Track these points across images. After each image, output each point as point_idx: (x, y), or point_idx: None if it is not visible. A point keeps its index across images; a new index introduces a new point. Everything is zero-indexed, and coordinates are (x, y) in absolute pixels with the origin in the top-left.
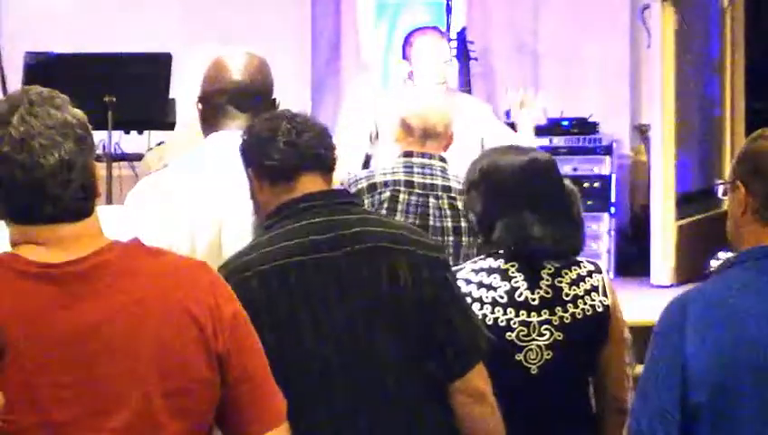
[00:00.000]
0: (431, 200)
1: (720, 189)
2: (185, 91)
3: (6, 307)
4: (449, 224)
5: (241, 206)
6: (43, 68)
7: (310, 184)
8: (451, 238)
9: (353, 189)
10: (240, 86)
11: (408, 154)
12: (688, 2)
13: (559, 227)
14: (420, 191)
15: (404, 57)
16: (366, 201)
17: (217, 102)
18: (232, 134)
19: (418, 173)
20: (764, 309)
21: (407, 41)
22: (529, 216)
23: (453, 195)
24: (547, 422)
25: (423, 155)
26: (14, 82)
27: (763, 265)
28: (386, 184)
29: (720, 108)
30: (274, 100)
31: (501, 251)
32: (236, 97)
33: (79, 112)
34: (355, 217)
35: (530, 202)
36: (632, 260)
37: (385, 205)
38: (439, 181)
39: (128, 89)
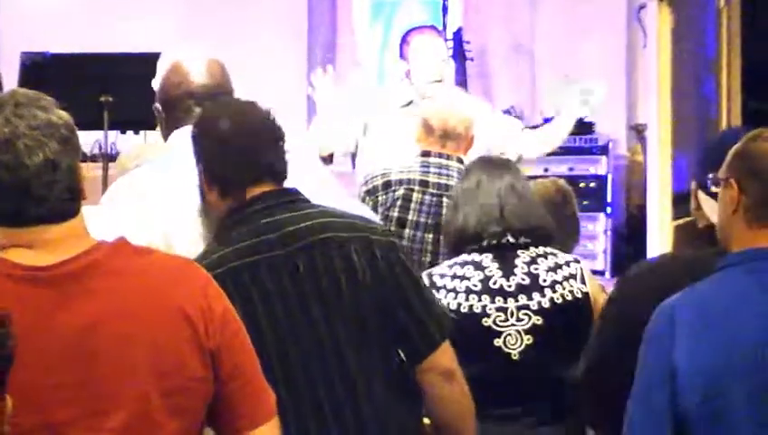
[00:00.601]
0: (444, 200)
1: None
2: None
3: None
4: None
5: None
6: (38, 68)
7: (258, 190)
8: None
9: (369, 186)
10: (207, 88)
11: (425, 154)
12: (685, 2)
13: (533, 216)
14: (434, 191)
15: (401, 56)
16: (380, 198)
17: (185, 106)
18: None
19: (435, 173)
20: (756, 312)
21: (404, 40)
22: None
23: None
24: (528, 410)
25: (440, 155)
26: (11, 82)
27: (755, 267)
28: (401, 182)
29: (716, 108)
30: None
31: (476, 246)
32: (203, 99)
33: (64, 114)
34: (304, 213)
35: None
36: (628, 260)
37: (398, 203)
38: (455, 182)
39: (124, 89)
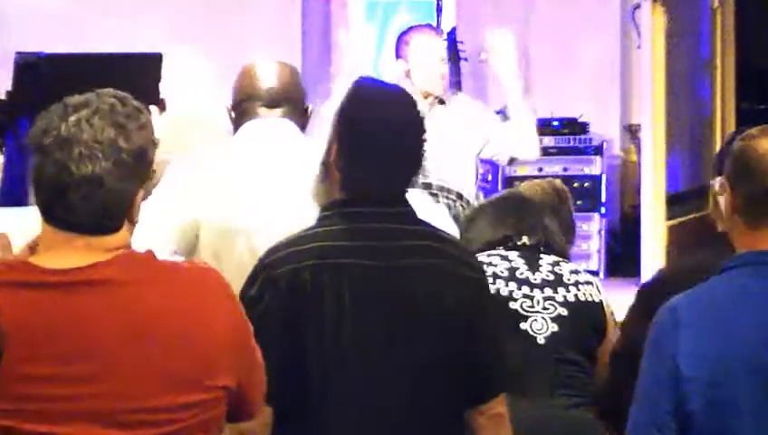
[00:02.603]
0: (442, 200)
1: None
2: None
3: (8, 316)
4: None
5: (271, 192)
6: (33, 68)
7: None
8: None
9: None
10: (272, 93)
11: None
12: (679, 2)
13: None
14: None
15: (399, 56)
16: None
17: (249, 108)
18: (265, 122)
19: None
20: (759, 315)
21: (402, 39)
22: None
23: (452, 196)
24: (550, 394)
25: None
26: (5, 82)
27: (758, 271)
28: None
29: (710, 108)
30: (308, 107)
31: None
32: (271, 101)
33: (139, 139)
34: (414, 229)
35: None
36: (622, 260)
37: None
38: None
39: (118, 89)
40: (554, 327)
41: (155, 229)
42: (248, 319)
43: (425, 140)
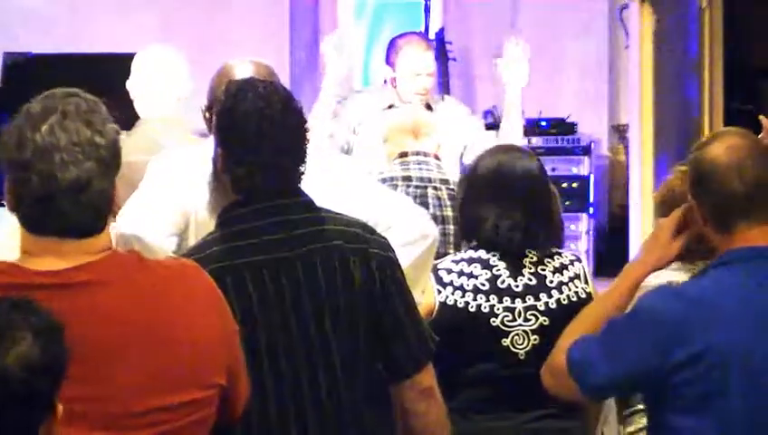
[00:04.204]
0: (429, 191)
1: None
2: (139, 90)
3: None
4: (449, 213)
5: None
6: (21, 68)
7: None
8: (451, 227)
9: None
10: None
11: (403, 154)
12: (667, 2)
13: (541, 223)
14: (418, 183)
15: (387, 62)
16: None
17: None
18: None
19: (415, 168)
20: (753, 311)
21: (393, 46)
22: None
23: (451, 187)
24: (532, 407)
25: (418, 153)
26: None
27: (755, 265)
28: (384, 181)
29: (699, 108)
30: None
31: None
32: None
33: (111, 132)
34: (310, 216)
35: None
36: (611, 260)
37: None
38: (436, 175)
39: (107, 89)
40: (535, 340)
41: (155, 213)
42: None
43: (306, 131)
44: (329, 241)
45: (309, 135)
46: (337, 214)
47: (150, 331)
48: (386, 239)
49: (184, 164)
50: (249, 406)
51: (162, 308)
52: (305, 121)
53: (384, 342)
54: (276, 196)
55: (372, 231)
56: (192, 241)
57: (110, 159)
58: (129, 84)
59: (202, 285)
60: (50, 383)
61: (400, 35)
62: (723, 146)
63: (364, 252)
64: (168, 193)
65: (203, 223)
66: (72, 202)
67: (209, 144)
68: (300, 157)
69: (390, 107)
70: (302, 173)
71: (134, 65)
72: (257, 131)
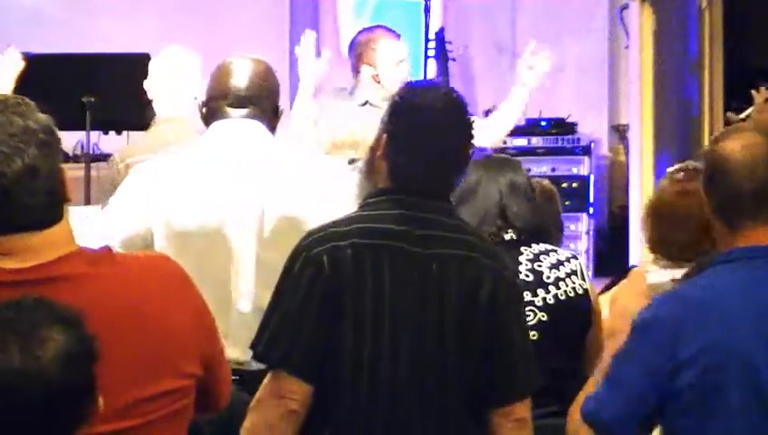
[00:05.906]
0: None
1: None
2: (156, 90)
3: None
4: None
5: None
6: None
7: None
8: None
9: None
10: (242, 91)
11: (352, 161)
12: (667, 2)
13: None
14: None
15: (362, 61)
16: None
17: (218, 106)
18: (231, 122)
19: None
20: (753, 309)
21: (365, 44)
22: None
23: None
24: (533, 405)
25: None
26: None
27: (755, 265)
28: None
29: (699, 108)
30: (279, 108)
31: None
32: (238, 101)
33: (43, 117)
34: (452, 223)
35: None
36: (610, 260)
37: None
38: None
39: (106, 89)
40: (534, 336)
41: (105, 240)
42: (289, 296)
43: (471, 145)
44: (467, 250)
45: (470, 153)
46: (474, 229)
47: (122, 322)
48: (512, 265)
49: (162, 173)
50: (350, 380)
51: (132, 298)
52: (472, 137)
53: (492, 362)
54: (427, 193)
55: (503, 254)
56: (169, 250)
57: (51, 141)
58: (147, 84)
59: (173, 275)
60: (89, 374)
61: (362, 32)
62: (739, 143)
63: (497, 272)
64: (134, 204)
65: (181, 232)
66: (27, 191)
67: (198, 144)
68: (458, 169)
69: (365, 104)
70: (454, 185)
71: (152, 66)
72: (428, 127)
